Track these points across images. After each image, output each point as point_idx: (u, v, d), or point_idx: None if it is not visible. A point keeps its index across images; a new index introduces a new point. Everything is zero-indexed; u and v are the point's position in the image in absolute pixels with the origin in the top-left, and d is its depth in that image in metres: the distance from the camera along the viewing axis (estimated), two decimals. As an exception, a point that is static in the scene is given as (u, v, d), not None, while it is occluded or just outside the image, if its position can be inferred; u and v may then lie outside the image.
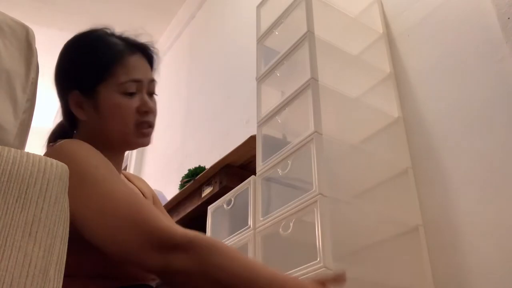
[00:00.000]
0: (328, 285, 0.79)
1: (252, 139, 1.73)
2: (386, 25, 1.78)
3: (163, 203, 1.99)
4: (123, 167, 1.01)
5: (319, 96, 1.41)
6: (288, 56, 1.61)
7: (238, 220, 1.58)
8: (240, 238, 1.49)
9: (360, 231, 1.31)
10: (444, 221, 1.35)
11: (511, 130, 1.26)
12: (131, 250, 0.72)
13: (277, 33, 1.74)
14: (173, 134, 3.43)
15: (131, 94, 0.92)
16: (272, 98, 1.64)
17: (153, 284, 0.90)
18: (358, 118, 1.55)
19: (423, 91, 1.56)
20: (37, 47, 0.67)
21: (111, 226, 0.73)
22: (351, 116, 1.55)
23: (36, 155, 0.55)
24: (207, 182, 2.01)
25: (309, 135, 1.34)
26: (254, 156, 1.61)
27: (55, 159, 0.57)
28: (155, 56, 1.01)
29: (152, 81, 0.97)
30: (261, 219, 1.42)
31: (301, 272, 1.16)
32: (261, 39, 1.80)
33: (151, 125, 0.96)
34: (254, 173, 1.56)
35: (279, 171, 1.43)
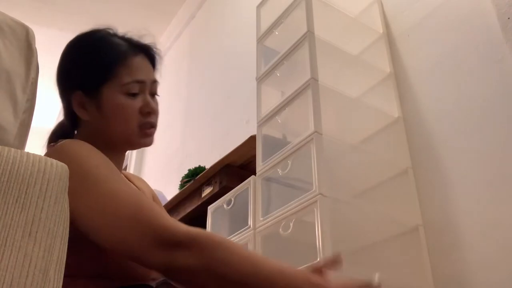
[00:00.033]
0: (325, 271, 0.80)
1: (252, 139, 1.73)
2: (386, 25, 1.78)
3: (163, 203, 1.99)
4: (123, 167, 1.02)
5: (319, 96, 1.41)
6: (288, 56, 1.61)
7: (238, 220, 1.58)
8: (240, 238, 1.49)
9: (360, 231, 1.31)
10: (444, 221, 1.35)
11: (511, 130, 1.26)
12: (134, 249, 0.72)
13: (277, 33, 1.74)
14: (173, 134, 3.43)
15: (134, 95, 0.93)
16: (272, 98, 1.64)
17: (153, 284, 0.90)
18: (358, 118, 1.55)
19: (423, 91, 1.56)
20: (37, 47, 0.67)
21: (114, 225, 0.73)
22: (351, 116, 1.55)
23: (36, 155, 0.55)
24: (207, 182, 2.01)
25: (309, 135, 1.34)
26: (254, 156, 1.61)
27: (57, 159, 0.57)
28: (157, 57, 1.01)
29: (154, 82, 0.98)
30: (261, 219, 1.42)
31: (301, 272, 1.16)
32: (261, 39, 1.80)
33: (153, 126, 0.96)
34: (254, 173, 1.55)
35: (279, 171, 1.43)
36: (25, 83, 0.63)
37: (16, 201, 0.50)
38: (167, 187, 2.91)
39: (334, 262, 0.83)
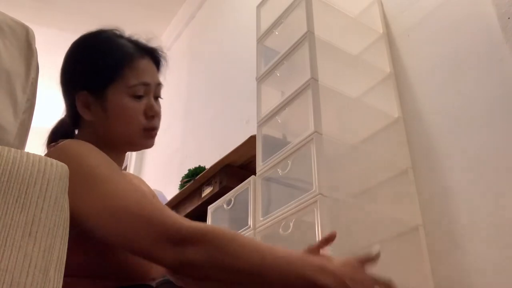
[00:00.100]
0: (322, 251, 0.82)
1: (252, 139, 1.73)
2: (386, 25, 1.78)
3: (163, 203, 1.99)
4: (122, 167, 1.02)
5: (319, 96, 1.41)
6: (288, 56, 1.61)
7: (238, 220, 1.58)
8: (240, 238, 1.49)
9: (360, 231, 1.31)
10: (444, 221, 1.35)
11: (511, 130, 1.26)
12: (144, 247, 0.73)
13: (277, 33, 1.74)
14: (173, 134, 3.43)
15: (139, 97, 0.93)
16: (272, 98, 1.64)
17: (153, 284, 0.90)
18: (358, 118, 1.55)
19: (423, 91, 1.56)
20: (37, 47, 0.67)
21: (121, 225, 0.74)
22: (351, 116, 1.55)
23: (36, 155, 0.55)
24: (207, 182, 2.01)
25: (309, 135, 1.34)
26: (254, 156, 1.61)
27: (58, 159, 0.57)
28: (163, 60, 1.01)
29: (159, 85, 0.98)
30: (261, 219, 1.42)
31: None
32: (261, 39, 1.80)
33: (156, 128, 0.97)
34: (254, 173, 1.55)
35: (279, 171, 1.43)
36: (25, 83, 0.63)
37: (16, 201, 0.50)
38: (167, 187, 2.91)
39: (329, 240, 0.86)
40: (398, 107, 1.60)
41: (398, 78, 1.66)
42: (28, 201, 0.51)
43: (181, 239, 0.72)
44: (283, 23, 1.72)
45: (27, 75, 0.64)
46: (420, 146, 1.50)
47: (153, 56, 0.99)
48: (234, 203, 1.68)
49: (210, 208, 1.81)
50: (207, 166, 2.05)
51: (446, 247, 1.32)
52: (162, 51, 1.01)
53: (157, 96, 0.98)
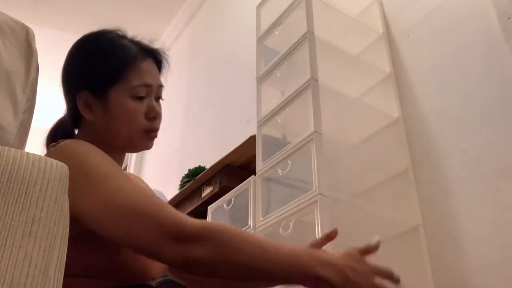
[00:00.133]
0: (325, 246, 0.83)
1: (252, 139, 1.73)
2: (386, 25, 1.78)
3: (163, 203, 1.98)
4: (122, 167, 1.02)
5: (319, 96, 1.41)
6: (288, 56, 1.61)
7: (238, 220, 1.58)
8: (240, 238, 1.49)
9: (360, 231, 1.31)
10: (444, 221, 1.35)
11: (511, 130, 1.26)
12: (149, 244, 0.73)
13: (277, 33, 1.74)
14: (173, 134, 3.44)
15: (140, 98, 0.93)
16: (272, 98, 1.64)
17: (153, 283, 0.90)
18: (358, 118, 1.55)
19: (423, 91, 1.56)
20: (37, 47, 0.67)
21: (126, 223, 0.74)
22: (351, 116, 1.55)
23: (36, 155, 0.55)
24: (207, 182, 2.01)
25: (309, 135, 1.34)
26: (254, 156, 1.61)
27: (59, 159, 0.57)
28: (165, 62, 1.02)
29: (160, 86, 0.98)
30: (261, 219, 1.42)
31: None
32: (261, 39, 1.80)
33: (157, 130, 0.97)
34: (254, 173, 1.55)
35: (279, 171, 1.43)
36: (25, 83, 0.63)
37: (16, 201, 0.50)
38: (167, 187, 2.91)
39: (330, 236, 0.88)
40: (398, 107, 1.60)
41: (398, 78, 1.66)
42: (28, 201, 0.51)
43: (186, 236, 0.72)
44: (283, 23, 1.72)
45: (27, 75, 0.64)
46: (420, 146, 1.50)
47: (155, 57, 0.99)
48: (234, 203, 1.68)
49: (210, 208, 1.81)
50: (207, 166, 2.05)
51: (446, 247, 1.32)
52: (164, 53, 1.01)
53: (158, 98, 0.98)
